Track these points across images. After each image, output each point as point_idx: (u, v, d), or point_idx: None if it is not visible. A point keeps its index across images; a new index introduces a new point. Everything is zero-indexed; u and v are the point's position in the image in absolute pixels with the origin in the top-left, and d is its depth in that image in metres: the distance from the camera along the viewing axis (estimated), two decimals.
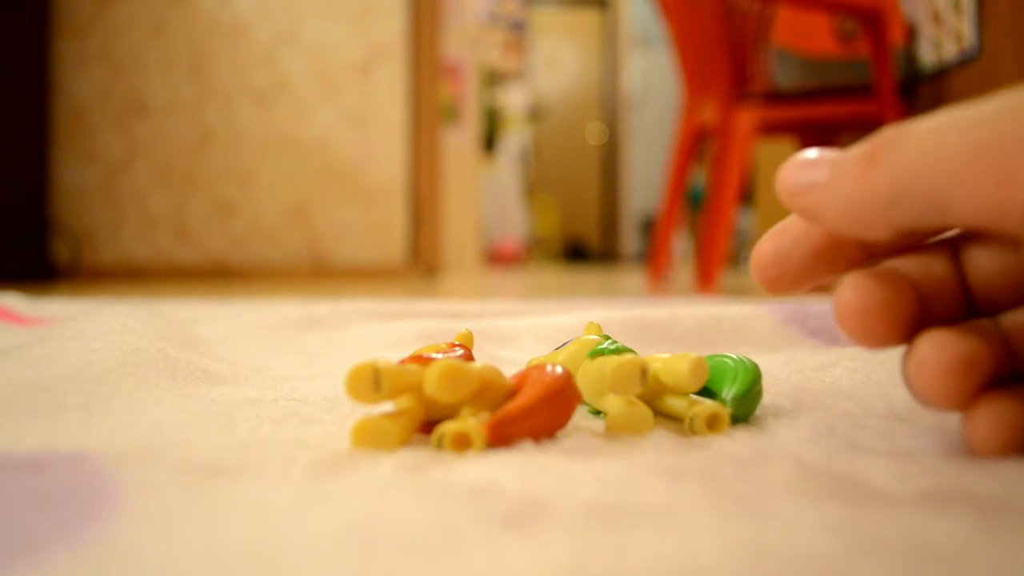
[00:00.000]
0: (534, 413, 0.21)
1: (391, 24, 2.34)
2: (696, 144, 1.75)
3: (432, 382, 0.19)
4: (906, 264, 0.21)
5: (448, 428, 0.20)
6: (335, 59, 2.32)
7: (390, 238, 2.34)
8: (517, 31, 3.93)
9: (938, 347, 0.19)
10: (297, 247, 2.31)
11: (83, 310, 0.40)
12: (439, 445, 0.20)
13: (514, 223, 3.84)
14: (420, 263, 2.40)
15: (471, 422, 0.20)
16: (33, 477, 0.18)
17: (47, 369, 0.27)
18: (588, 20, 5.02)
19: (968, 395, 0.19)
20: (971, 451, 0.19)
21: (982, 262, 0.20)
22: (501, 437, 0.20)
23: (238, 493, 0.16)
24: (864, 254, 0.21)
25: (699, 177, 2.99)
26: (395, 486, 0.17)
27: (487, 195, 3.68)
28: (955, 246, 0.21)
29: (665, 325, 0.46)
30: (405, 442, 0.20)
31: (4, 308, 0.58)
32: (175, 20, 2.29)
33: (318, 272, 2.30)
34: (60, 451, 0.20)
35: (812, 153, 0.20)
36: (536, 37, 4.73)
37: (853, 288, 0.19)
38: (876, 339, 0.19)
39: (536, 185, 4.51)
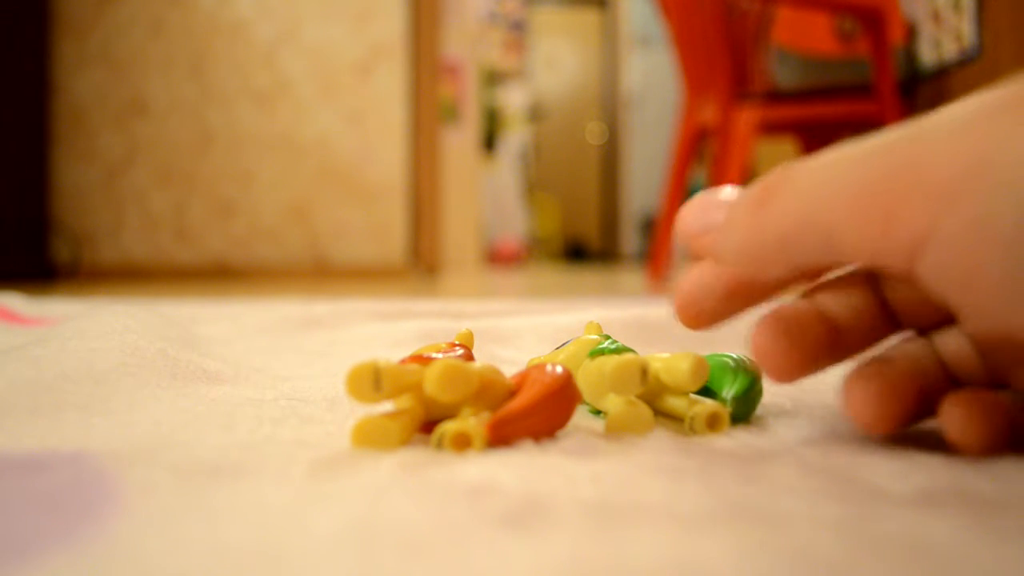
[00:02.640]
0: (534, 413, 0.20)
1: (391, 24, 2.34)
2: (696, 144, 1.75)
3: (432, 382, 0.19)
4: (823, 295, 0.21)
5: (448, 428, 0.20)
6: (335, 59, 2.32)
7: (390, 238, 2.34)
8: (517, 31, 3.93)
9: (860, 379, 0.19)
10: (297, 247, 2.31)
11: (83, 310, 0.40)
12: (439, 445, 0.20)
13: (514, 223, 3.84)
14: (420, 263, 2.40)
15: (471, 422, 0.20)
16: (33, 477, 0.18)
17: (47, 369, 0.27)
18: (588, 20, 5.02)
19: (899, 418, 0.19)
20: (957, 451, 0.19)
21: (899, 287, 0.21)
22: (501, 437, 0.20)
23: (238, 493, 0.16)
24: (778, 286, 0.22)
25: (699, 177, 2.99)
26: (395, 486, 0.17)
27: (487, 195, 3.68)
28: (873, 272, 0.21)
29: (665, 325, 0.46)
30: (405, 442, 0.20)
31: (4, 308, 0.58)
32: (175, 20, 2.29)
33: (318, 272, 2.30)
34: (60, 451, 0.20)
35: (711, 195, 0.20)
36: (536, 37, 4.73)
37: (760, 330, 0.20)
38: (786, 375, 0.20)
39: (536, 185, 4.51)
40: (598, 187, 4.97)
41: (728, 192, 0.21)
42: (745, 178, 1.54)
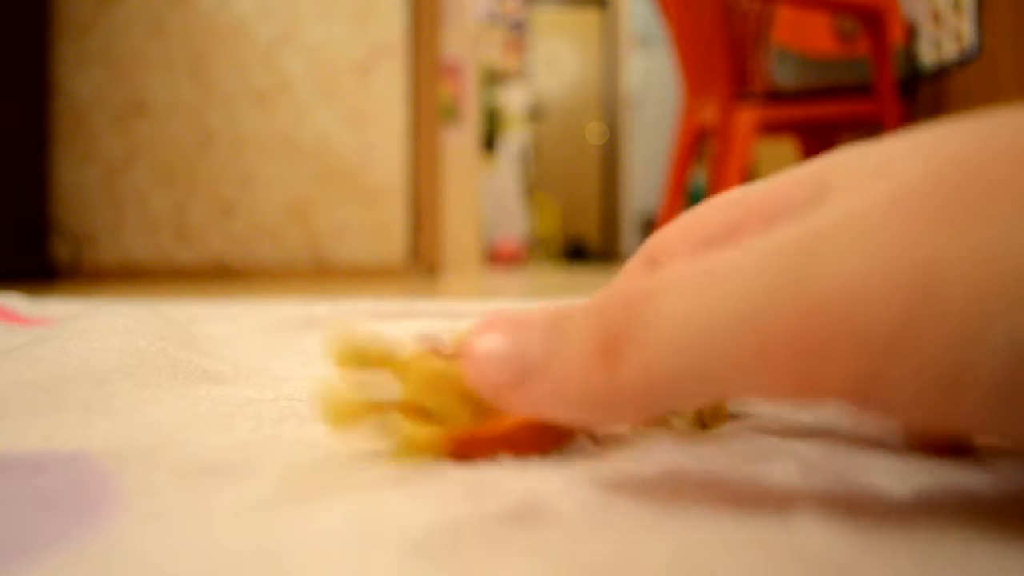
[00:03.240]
0: (505, 442, 0.18)
1: (391, 24, 2.34)
2: (696, 144, 1.75)
3: (412, 384, 0.18)
4: None
5: (408, 431, 0.18)
6: (335, 59, 2.32)
7: (390, 238, 2.34)
8: (517, 31, 3.93)
9: None
10: (297, 247, 2.31)
11: (83, 310, 0.40)
12: (396, 446, 0.18)
13: (514, 223, 3.84)
14: (420, 263, 2.40)
15: (431, 432, 0.18)
16: (33, 477, 0.18)
17: (47, 369, 0.27)
18: (588, 20, 5.02)
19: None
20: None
21: None
22: (461, 456, 0.18)
23: (238, 493, 0.16)
24: None
25: (699, 177, 2.99)
26: (395, 486, 0.16)
27: (487, 195, 3.68)
28: None
29: None
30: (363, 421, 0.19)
31: (4, 308, 0.58)
32: (175, 20, 2.29)
33: (318, 272, 2.30)
34: (60, 451, 0.20)
35: (508, 326, 0.15)
36: (536, 37, 4.73)
37: None
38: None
39: (536, 185, 4.51)
40: (598, 187, 4.97)
41: (537, 321, 0.15)
42: (745, 178, 1.54)
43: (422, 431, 0.18)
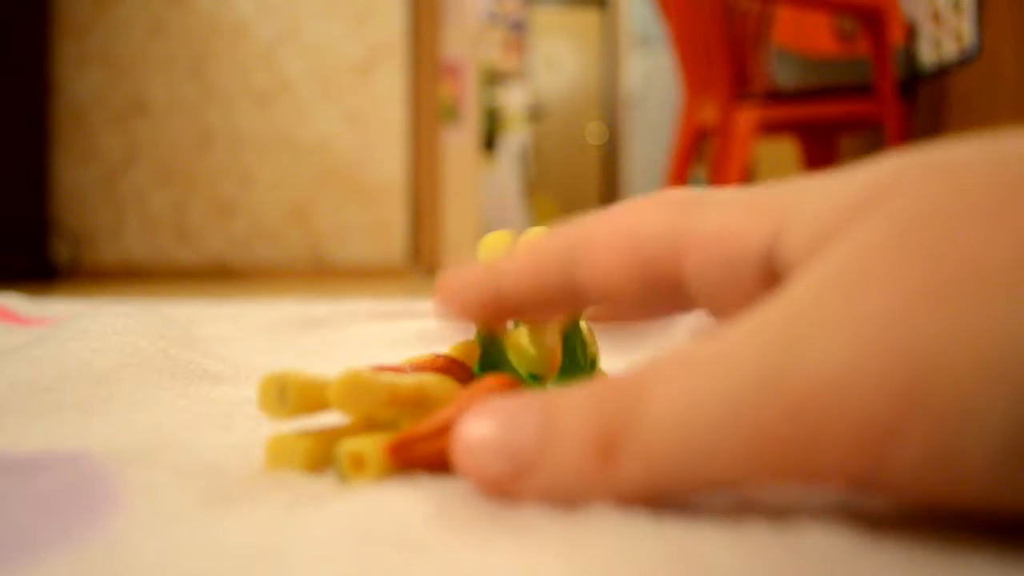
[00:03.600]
0: (443, 435, 0.17)
1: (391, 24, 2.34)
2: (696, 144, 1.75)
3: (335, 393, 0.17)
4: None
5: (345, 447, 0.17)
6: (335, 59, 2.32)
7: (390, 238, 2.34)
8: (517, 31, 3.93)
9: None
10: (297, 247, 2.31)
11: (83, 310, 0.40)
12: (338, 470, 0.17)
13: (514, 223, 3.84)
14: (420, 263, 2.40)
15: (367, 442, 0.17)
16: (33, 477, 0.18)
17: (47, 369, 0.27)
18: (588, 20, 5.02)
19: None
20: None
21: None
22: (404, 460, 0.17)
23: (238, 493, 0.16)
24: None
25: (699, 177, 2.99)
26: (394, 486, 0.17)
27: (487, 195, 3.68)
28: None
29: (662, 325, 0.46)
30: (317, 461, 0.18)
31: (4, 308, 0.58)
32: (175, 20, 2.29)
33: (318, 272, 2.30)
34: (60, 451, 0.20)
35: (500, 430, 0.14)
36: (536, 37, 4.73)
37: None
38: None
39: (536, 185, 4.51)
40: (598, 187, 4.97)
41: (530, 409, 0.14)
42: (745, 178, 1.54)
43: (361, 442, 0.17)
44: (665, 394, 0.13)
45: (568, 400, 0.14)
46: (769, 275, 0.15)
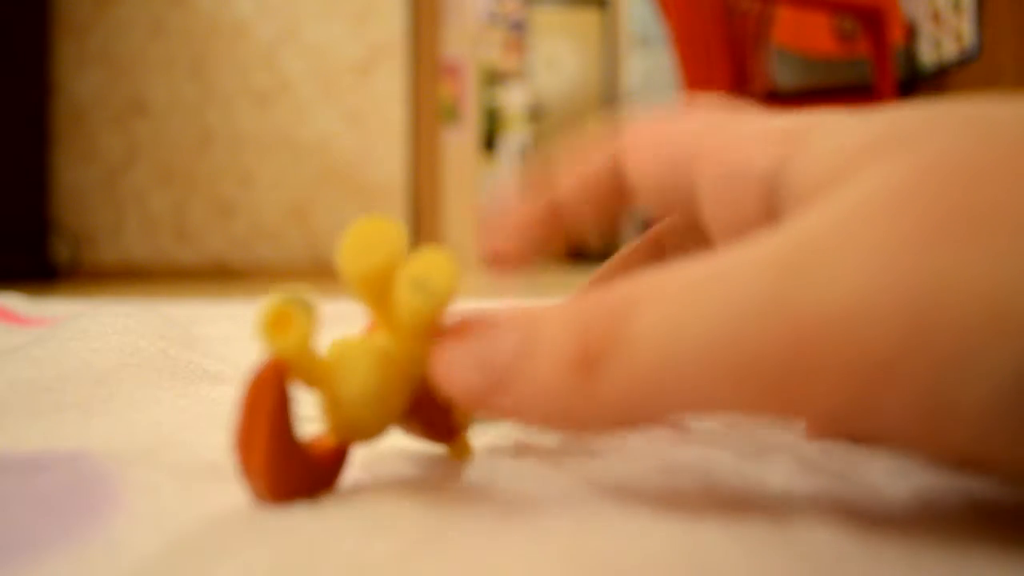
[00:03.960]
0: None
1: (391, 24, 2.34)
2: None
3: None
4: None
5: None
6: (335, 59, 2.32)
7: None
8: (517, 31, 3.93)
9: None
10: (297, 247, 2.31)
11: (83, 310, 0.40)
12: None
13: None
14: None
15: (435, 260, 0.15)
16: (33, 477, 0.18)
17: (47, 369, 0.27)
18: (588, 20, 5.02)
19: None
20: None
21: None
22: None
23: (238, 493, 0.16)
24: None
25: None
26: (395, 485, 0.17)
27: (487, 195, 3.68)
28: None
29: None
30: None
31: (4, 308, 0.58)
32: (175, 20, 2.29)
33: (318, 272, 2.30)
34: (60, 451, 0.20)
35: (477, 344, 0.14)
36: (536, 37, 4.73)
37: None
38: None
39: None
40: None
41: (509, 323, 0.14)
42: None
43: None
44: (654, 312, 0.13)
45: (551, 315, 0.14)
46: (769, 202, 0.15)
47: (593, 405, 0.13)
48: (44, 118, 2.20)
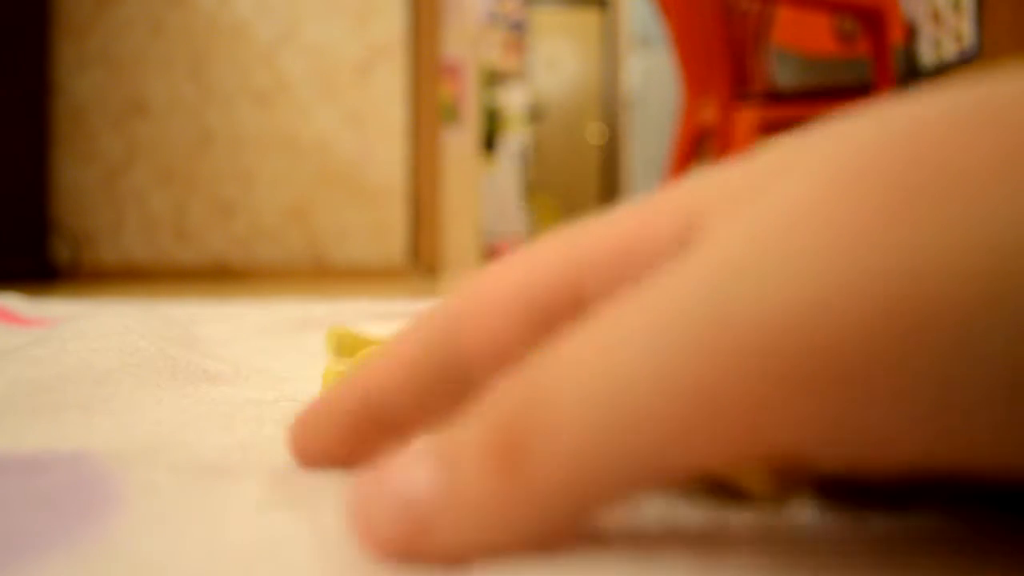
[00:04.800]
0: None
1: (391, 24, 2.34)
2: (696, 144, 1.75)
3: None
4: None
5: None
6: (335, 59, 2.32)
7: (390, 238, 2.34)
8: (517, 31, 3.93)
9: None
10: (297, 247, 2.31)
11: (83, 311, 0.40)
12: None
13: (514, 223, 3.84)
14: (420, 263, 2.40)
15: None
16: (34, 477, 0.18)
17: (47, 369, 0.27)
18: (588, 20, 5.02)
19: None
20: None
21: None
22: None
23: (239, 494, 0.16)
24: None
25: None
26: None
27: (487, 195, 3.68)
28: None
29: None
30: None
31: (4, 309, 0.58)
32: (175, 20, 2.29)
33: (318, 272, 2.30)
34: (61, 451, 0.20)
35: (389, 489, 0.12)
36: (536, 37, 4.73)
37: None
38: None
39: (536, 185, 4.51)
40: (598, 187, 4.97)
41: (418, 457, 0.12)
42: None
43: None
44: (573, 373, 0.11)
45: (464, 424, 0.12)
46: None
47: (530, 500, 0.11)
48: (44, 118, 2.20)
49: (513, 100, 3.93)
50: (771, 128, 1.57)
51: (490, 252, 3.75)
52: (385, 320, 0.56)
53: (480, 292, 0.15)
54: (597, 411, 0.11)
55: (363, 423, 0.16)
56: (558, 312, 0.14)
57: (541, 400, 0.11)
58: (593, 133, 4.99)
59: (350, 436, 0.16)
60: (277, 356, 0.41)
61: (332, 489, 0.16)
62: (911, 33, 1.66)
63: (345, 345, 0.18)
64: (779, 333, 0.09)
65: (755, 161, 0.12)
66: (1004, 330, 0.09)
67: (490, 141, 3.76)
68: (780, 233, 0.10)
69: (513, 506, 0.11)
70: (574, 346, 0.11)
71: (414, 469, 0.12)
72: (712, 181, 0.13)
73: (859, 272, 0.09)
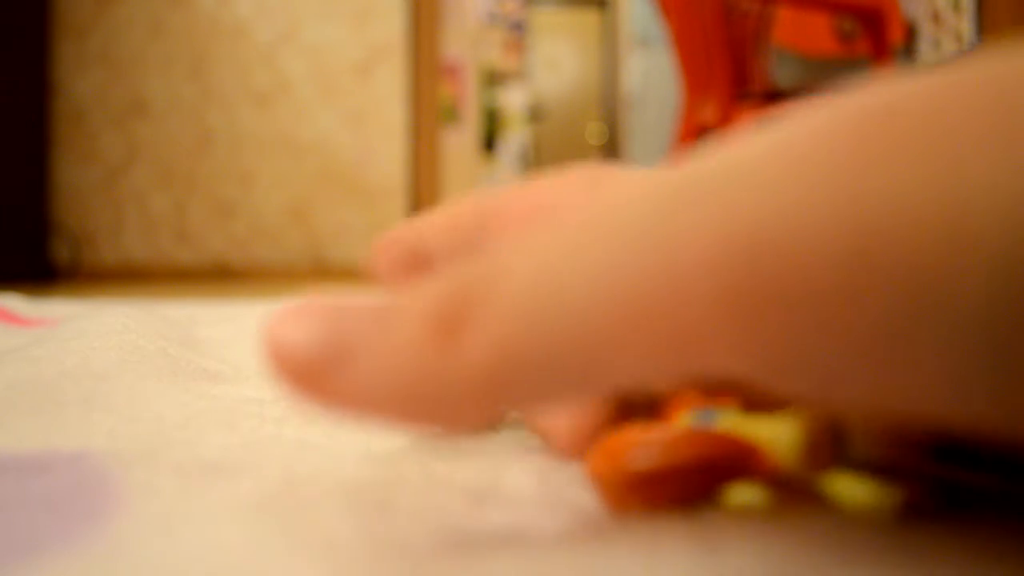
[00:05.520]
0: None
1: (391, 24, 2.34)
2: (696, 144, 1.75)
3: None
4: None
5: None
6: (335, 60, 2.32)
7: None
8: (517, 31, 3.93)
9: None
10: (297, 247, 2.31)
11: (83, 311, 0.40)
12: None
13: None
14: None
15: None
16: (34, 477, 0.18)
17: (47, 369, 0.27)
18: (588, 20, 5.02)
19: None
20: None
21: None
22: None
23: (240, 493, 0.16)
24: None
25: None
26: (398, 487, 0.16)
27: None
28: None
29: None
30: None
31: (4, 309, 0.58)
32: (175, 20, 2.29)
33: (318, 272, 2.30)
34: (61, 451, 0.20)
35: (321, 317, 0.11)
36: (536, 37, 4.74)
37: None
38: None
39: None
40: None
41: (360, 304, 0.12)
42: None
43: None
44: (524, 259, 0.11)
45: (419, 288, 0.12)
46: None
47: (456, 375, 0.11)
48: (44, 118, 2.20)
49: (513, 100, 3.93)
50: None
51: None
52: None
53: (509, 203, 0.19)
54: (535, 301, 0.10)
55: (411, 257, 0.20)
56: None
57: (492, 278, 0.11)
58: (593, 133, 5.00)
59: (403, 267, 0.20)
60: None
61: (333, 490, 0.16)
62: (911, 33, 1.66)
63: None
64: (735, 249, 0.09)
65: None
66: (961, 283, 0.09)
67: (490, 141, 3.76)
68: (750, 162, 0.10)
69: (436, 370, 0.11)
70: (540, 239, 0.11)
71: (351, 312, 0.12)
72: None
73: (829, 199, 0.09)
